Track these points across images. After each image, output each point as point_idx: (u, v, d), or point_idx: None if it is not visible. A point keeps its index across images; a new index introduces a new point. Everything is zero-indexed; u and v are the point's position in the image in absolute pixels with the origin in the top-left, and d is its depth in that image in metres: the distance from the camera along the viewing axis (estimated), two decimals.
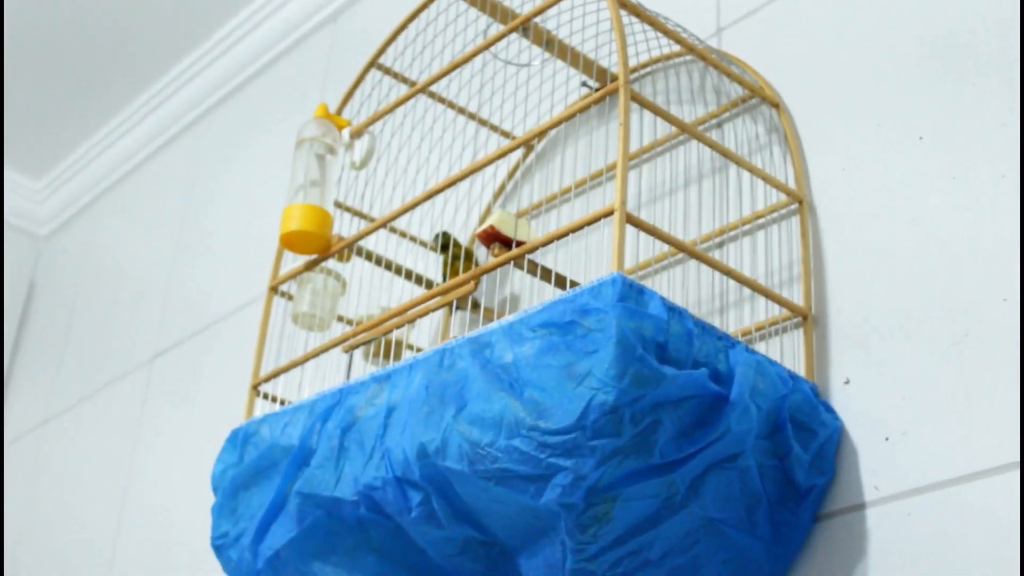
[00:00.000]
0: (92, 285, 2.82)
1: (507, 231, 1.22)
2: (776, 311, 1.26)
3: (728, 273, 1.19)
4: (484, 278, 1.58)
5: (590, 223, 1.12)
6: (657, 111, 1.19)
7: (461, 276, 1.23)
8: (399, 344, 1.55)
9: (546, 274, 1.21)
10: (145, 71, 2.67)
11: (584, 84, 1.57)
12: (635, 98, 1.16)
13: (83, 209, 3.00)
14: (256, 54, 2.46)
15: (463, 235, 1.64)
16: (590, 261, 1.37)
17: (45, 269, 3.07)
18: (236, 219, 2.34)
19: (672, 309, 1.08)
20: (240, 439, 1.41)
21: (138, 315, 2.54)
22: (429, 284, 1.56)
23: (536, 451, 1.05)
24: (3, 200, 3.01)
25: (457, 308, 1.60)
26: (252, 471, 1.37)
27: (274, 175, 2.25)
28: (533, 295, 1.54)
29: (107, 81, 2.72)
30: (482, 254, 1.65)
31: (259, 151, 2.36)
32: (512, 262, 1.21)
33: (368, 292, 1.56)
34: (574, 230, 1.13)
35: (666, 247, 1.34)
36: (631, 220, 1.11)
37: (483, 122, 1.58)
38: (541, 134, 1.28)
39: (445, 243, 1.54)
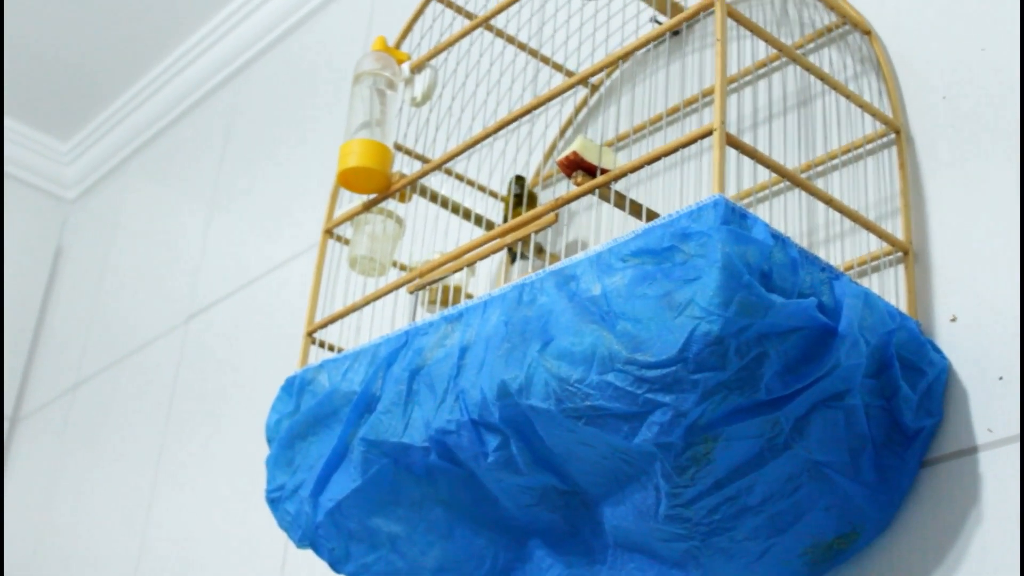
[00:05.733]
0: (122, 249, 2.75)
1: (591, 158, 1.14)
2: (874, 246, 1.19)
3: (829, 202, 1.11)
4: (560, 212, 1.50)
5: (688, 143, 1.05)
6: (755, 29, 1.11)
7: (541, 207, 1.15)
8: (458, 292, 1.47)
9: (635, 207, 1.14)
10: (176, 28, 2.60)
11: (654, 20, 1.49)
12: (732, 15, 1.09)
13: (112, 171, 2.93)
14: (293, 5, 2.38)
15: (526, 178, 1.56)
16: (675, 200, 1.30)
17: (72, 233, 3.00)
18: (274, 175, 2.27)
19: (776, 236, 1.01)
20: (296, 387, 1.34)
21: (171, 276, 2.47)
22: (491, 227, 1.48)
23: (632, 386, 0.97)
24: (2, 151, 2.93)
25: (520, 256, 1.52)
26: (310, 420, 1.30)
27: (315, 128, 2.18)
28: (600, 239, 1.47)
29: (137, 38, 2.65)
30: (546, 198, 1.57)
31: (298, 105, 2.29)
32: (597, 192, 1.13)
33: (424, 238, 1.49)
34: (671, 152, 1.05)
35: (754, 181, 1.27)
36: (731, 141, 1.03)
37: (546, 60, 1.50)
38: (609, 68, 1.20)
39: (523, 191, 1.47)
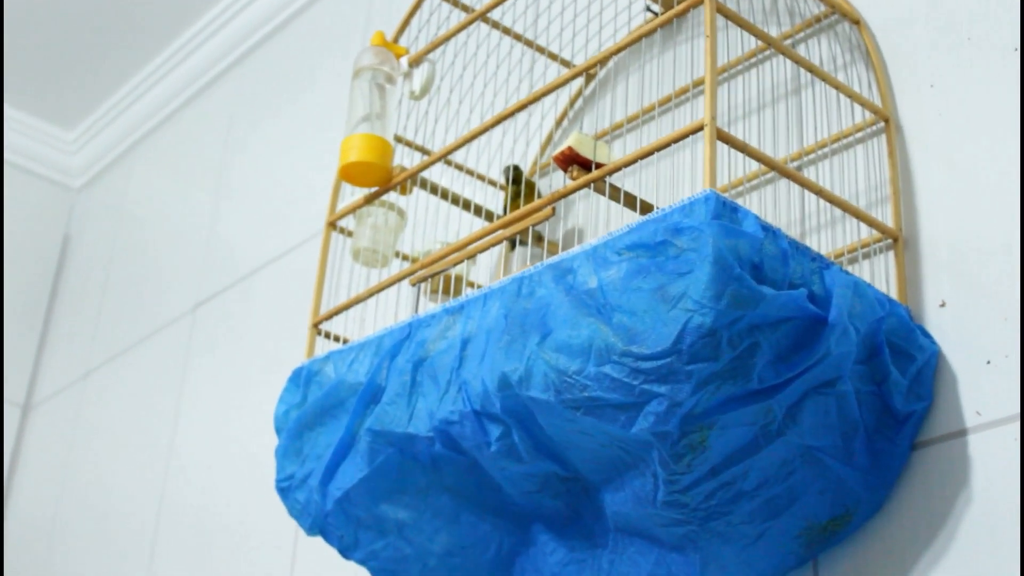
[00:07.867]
0: (129, 236, 2.78)
1: (586, 153, 1.17)
2: (864, 234, 1.21)
3: (819, 192, 1.14)
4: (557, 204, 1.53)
5: (679, 139, 1.07)
6: (743, 24, 1.13)
7: (539, 200, 1.18)
8: (459, 280, 1.50)
9: (629, 199, 1.16)
10: (179, 15, 2.62)
11: (648, 8, 1.51)
12: (720, 11, 1.11)
13: (117, 159, 2.96)
14: None
15: (524, 167, 1.59)
16: (668, 188, 1.32)
17: (79, 221, 3.03)
18: (278, 162, 2.29)
19: (766, 228, 1.04)
20: (303, 378, 1.37)
21: (178, 264, 2.50)
22: (491, 217, 1.51)
23: (628, 377, 1.00)
24: (2, 139, 2.96)
25: (520, 243, 1.55)
26: (317, 410, 1.33)
27: (317, 115, 2.20)
28: (598, 227, 1.50)
29: (140, 27, 2.67)
30: (544, 186, 1.60)
31: (300, 92, 2.31)
32: (592, 186, 1.16)
33: (425, 228, 1.52)
34: (662, 147, 1.08)
35: (745, 170, 1.29)
36: (721, 136, 1.06)
37: (541, 50, 1.53)
38: (604, 60, 1.23)
39: (517, 177, 1.49)
